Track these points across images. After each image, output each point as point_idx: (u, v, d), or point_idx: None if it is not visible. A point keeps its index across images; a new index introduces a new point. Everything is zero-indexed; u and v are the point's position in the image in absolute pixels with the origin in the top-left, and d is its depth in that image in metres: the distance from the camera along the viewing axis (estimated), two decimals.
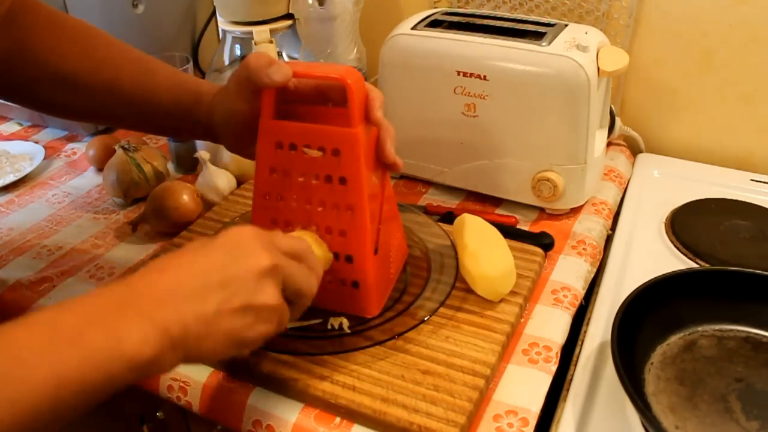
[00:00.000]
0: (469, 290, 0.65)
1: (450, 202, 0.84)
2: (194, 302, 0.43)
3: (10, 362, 0.36)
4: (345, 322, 0.60)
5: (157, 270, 0.44)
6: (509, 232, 0.72)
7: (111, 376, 0.39)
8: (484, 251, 0.64)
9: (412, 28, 0.80)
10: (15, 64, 0.61)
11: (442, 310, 0.62)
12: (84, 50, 0.63)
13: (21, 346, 0.37)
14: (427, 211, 0.81)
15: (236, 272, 0.45)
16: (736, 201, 0.82)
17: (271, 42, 0.88)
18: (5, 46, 0.60)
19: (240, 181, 0.87)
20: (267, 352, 0.58)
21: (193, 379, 0.60)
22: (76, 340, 0.38)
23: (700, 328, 0.62)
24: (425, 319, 0.60)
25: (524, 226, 0.79)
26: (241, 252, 0.46)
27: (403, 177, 0.87)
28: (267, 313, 0.46)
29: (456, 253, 0.66)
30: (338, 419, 0.55)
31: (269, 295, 0.46)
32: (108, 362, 0.39)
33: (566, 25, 0.77)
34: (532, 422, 0.54)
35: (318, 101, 0.58)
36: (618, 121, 0.92)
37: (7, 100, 0.66)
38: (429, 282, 0.64)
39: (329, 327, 0.60)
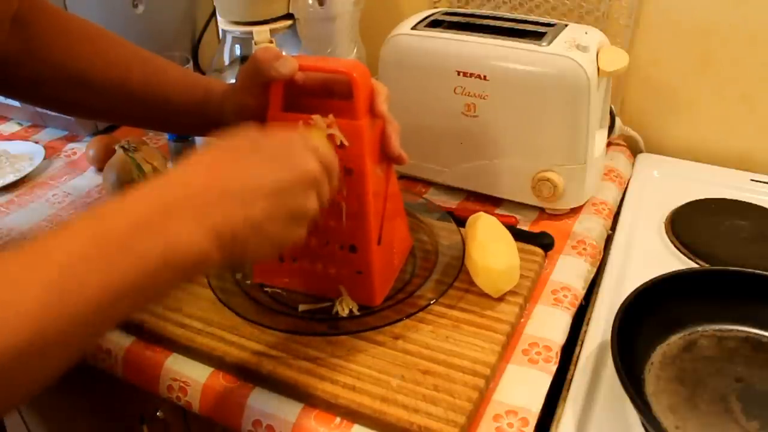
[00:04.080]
0: (469, 290, 0.65)
1: (450, 202, 0.84)
2: (245, 207, 0.42)
3: (63, 274, 0.35)
4: (355, 306, 0.61)
5: (204, 171, 0.43)
6: (509, 232, 0.72)
7: (162, 281, 0.39)
8: (492, 245, 0.65)
9: (412, 28, 0.80)
10: (26, 64, 0.62)
11: (442, 309, 0.63)
12: (94, 50, 0.63)
13: (71, 258, 0.36)
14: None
15: (287, 180, 0.44)
16: (736, 201, 0.82)
17: (271, 42, 0.88)
18: (16, 46, 0.61)
19: None
20: (267, 350, 0.59)
21: (193, 379, 0.60)
22: (127, 249, 0.37)
23: (700, 328, 0.62)
24: (411, 314, 0.60)
25: (524, 226, 0.79)
26: (292, 159, 0.46)
27: (403, 177, 0.87)
28: (306, 220, 0.47)
29: (464, 254, 0.66)
30: (338, 419, 0.55)
31: (313, 204, 0.46)
32: (160, 268, 0.38)
33: (566, 25, 0.77)
34: (532, 422, 0.54)
35: (324, 95, 0.59)
36: (618, 121, 0.92)
37: (18, 99, 0.67)
38: (428, 280, 0.65)
39: (343, 311, 0.61)
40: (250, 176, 0.43)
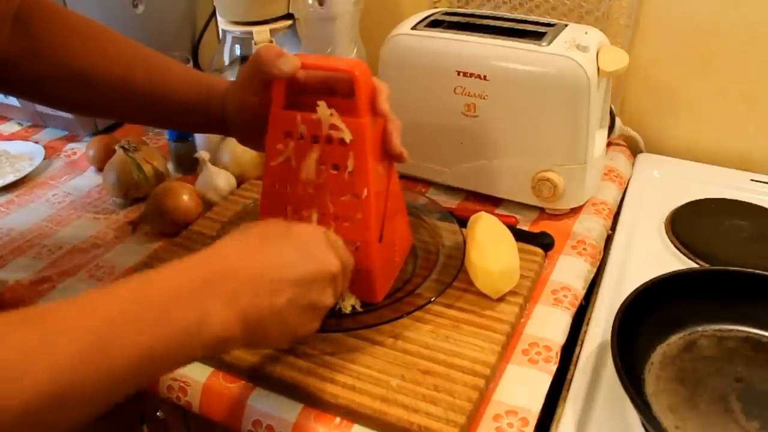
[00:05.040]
0: (469, 290, 0.65)
1: (450, 202, 0.84)
2: (272, 294, 0.45)
3: (107, 327, 0.37)
4: (357, 302, 0.61)
5: (235, 255, 0.46)
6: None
7: (188, 352, 0.41)
8: (491, 246, 0.65)
9: (412, 28, 0.80)
10: (28, 62, 0.62)
11: (442, 309, 0.63)
12: (96, 48, 0.63)
13: (114, 318, 0.38)
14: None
15: (312, 273, 0.47)
16: (736, 201, 0.82)
17: (271, 42, 0.88)
18: (18, 45, 0.61)
19: (240, 181, 0.86)
20: (267, 350, 0.59)
21: (193, 379, 0.60)
22: (164, 317, 0.40)
23: (700, 328, 0.62)
24: (409, 312, 0.60)
25: (524, 226, 0.79)
26: (315, 253, 0.49)
27: (403, 177, 0.87)
28: (322, 313, 0.50)
29: (464, 254, 0.66)
30: (338, 419, 0.55)
31: (331, 298, 0.50)
32: (190, 341, 0.40)
33: (566, 25, 0.77)
34: (532, 422, 0.54)
35: (326, 93, 0.59)
36: (618, 121, 0.92)
37: (20, 97, 0.67)
38: (428, 279, 0.64)
39: (346, 308, 0.61)
40: (280, 264, 0.46)
